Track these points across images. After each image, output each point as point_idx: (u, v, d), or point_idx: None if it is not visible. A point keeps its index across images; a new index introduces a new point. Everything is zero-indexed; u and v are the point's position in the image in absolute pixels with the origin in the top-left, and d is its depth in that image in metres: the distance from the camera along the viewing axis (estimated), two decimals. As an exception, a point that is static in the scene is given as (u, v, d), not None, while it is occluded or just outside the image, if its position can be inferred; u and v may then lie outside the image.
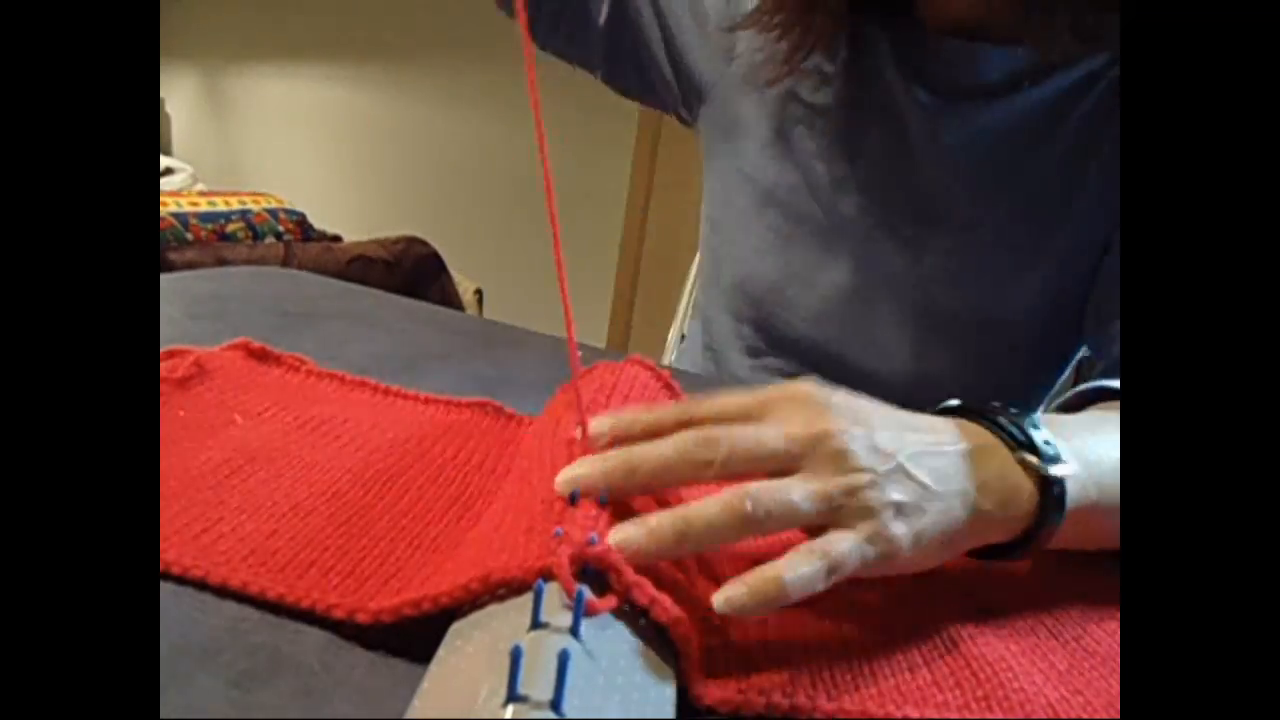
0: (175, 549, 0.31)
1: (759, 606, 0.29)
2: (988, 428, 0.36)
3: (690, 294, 1.01)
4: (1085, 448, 0.37)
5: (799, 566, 0.29)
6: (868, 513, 0.31)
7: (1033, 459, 0.35)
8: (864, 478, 0.31)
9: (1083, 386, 0.49)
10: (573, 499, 0.31)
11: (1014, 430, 0.36)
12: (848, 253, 0.67)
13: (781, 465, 0.32)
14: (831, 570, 0.30)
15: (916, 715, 0.28)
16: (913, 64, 0.65)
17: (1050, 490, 0.34)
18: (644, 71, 0.76)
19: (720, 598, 0.29)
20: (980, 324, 0.65)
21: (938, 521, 0.32)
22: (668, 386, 0.48)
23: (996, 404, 0.38)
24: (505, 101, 2.67)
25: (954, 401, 0.39)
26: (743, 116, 0.72)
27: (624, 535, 0.29)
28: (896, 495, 0.32)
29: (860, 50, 0.68)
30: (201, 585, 0.30)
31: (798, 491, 0.31)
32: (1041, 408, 0.73)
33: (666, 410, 0.34)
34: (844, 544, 0.30)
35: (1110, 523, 0.37)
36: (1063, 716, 0.29)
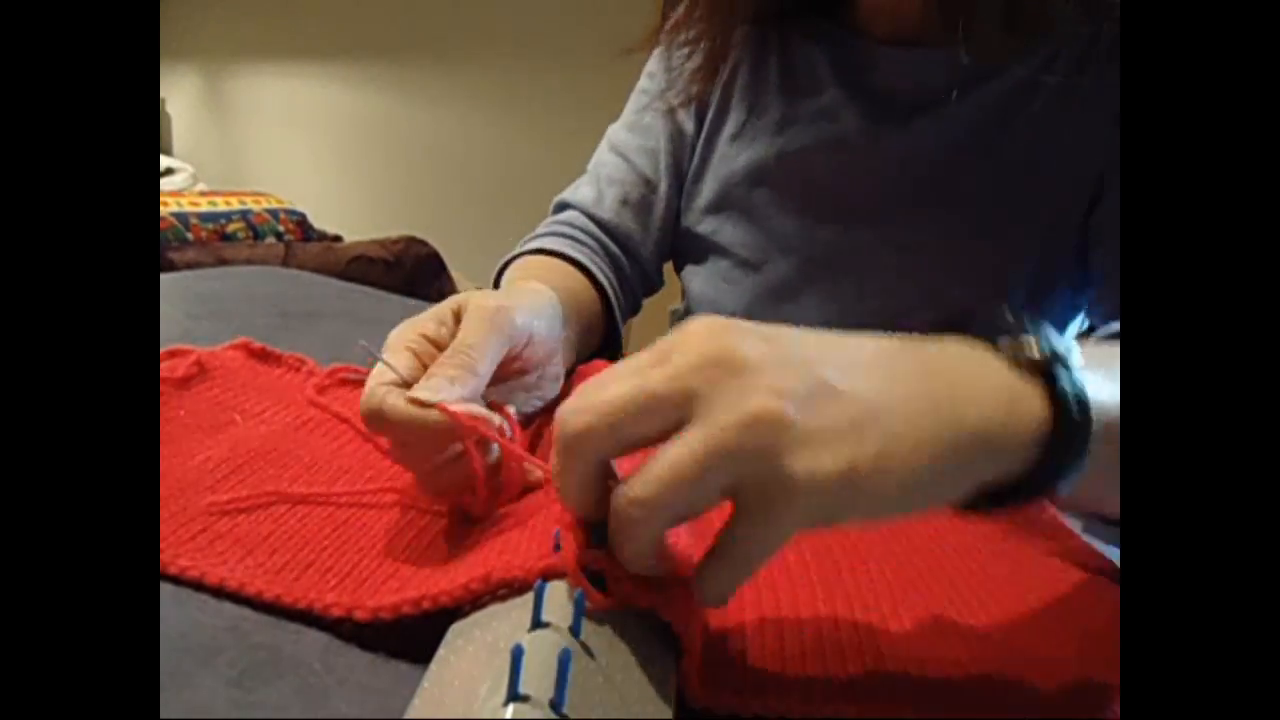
0: (172, 548, 0.31)
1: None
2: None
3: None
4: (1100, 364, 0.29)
5: (716, 571, 0.26)
6: (773, 454, 0.24)
7: (1030, 353, 0.27)
8: (776, 406, 0.24)
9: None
10: None
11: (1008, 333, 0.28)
12: (796, 293, 0.66)
13: (673, 413, 0.25)
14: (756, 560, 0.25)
15: (914, 716, 0.28)
16: (850, 76, 0.63)
17: (1060, 391, 0.26)
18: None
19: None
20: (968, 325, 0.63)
21: (905, 434, 0.25)
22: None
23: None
24: (506, 101, 2.67)
25: None
26: (702, 181, 0.72)
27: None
28: (828, 421, 0.24)
29: (794, 66, 0.66)
30: (200, 585, 0.30)
31: (683, 455, 0.24)
32: None
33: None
34: (749, 533, 0.24)
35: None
36: (1061, 717, 0.29)
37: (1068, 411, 0.26)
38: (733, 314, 0.69)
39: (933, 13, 0.56)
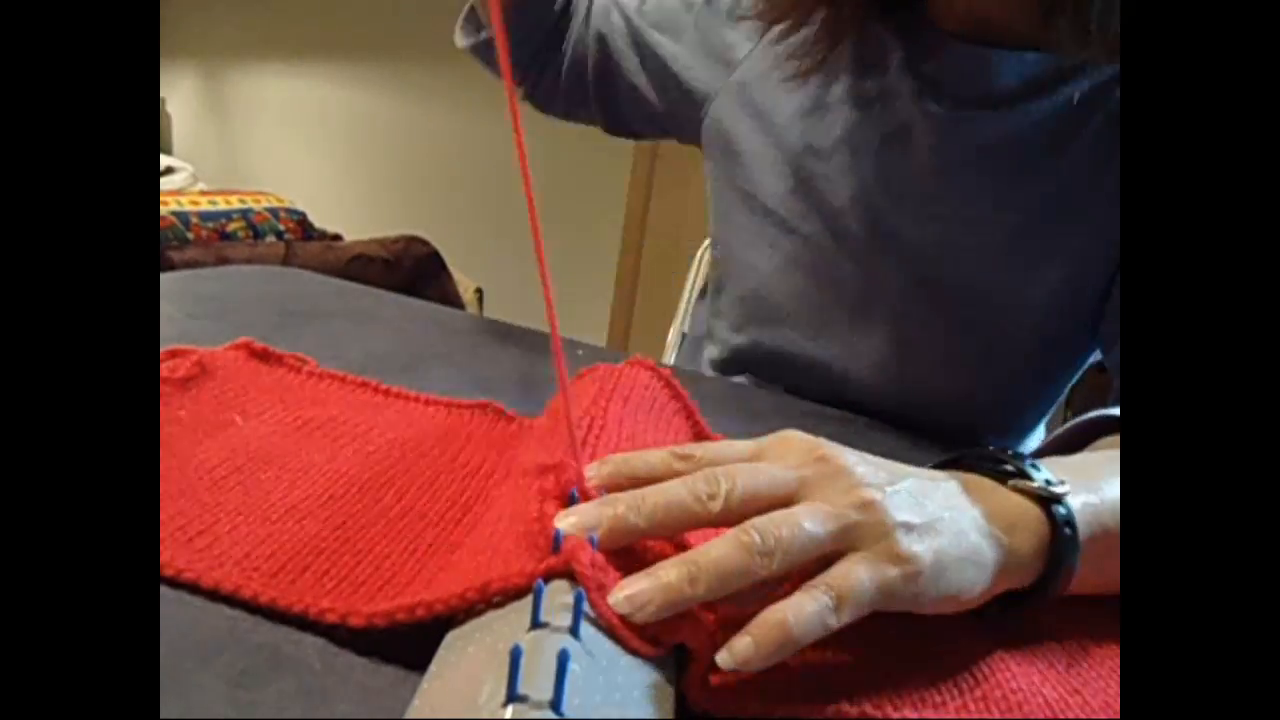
0: (170, 551, 0.31)
1: (768, 656, 0.27)
2: (980, 473, 0.36)
3: (691, 293, 1.01)
4: (1090, 476, 0.36)
5: (804, 606, 0.28)
6: (881, 530, 0.30)
7: (1028, 483, 0.34)
8: (872, 493, 0.30)
9: (1083, 417, 0.47)
10: (571, 499, 0.31)
11: (1007, 467, 0.35)
12: (850, 271, 0.66)
13: (787, 494, 0.31)
14: (841, 603, 0.28)
15: (914, 716, 0.28)
16: (924, 71, 0.63)
17: (1055, 512, 0.33)
18: (640, 108, 0.76)
19: (724, 654, 0.27)
20: (989, 337, 0.64)
21: (956, 544, 0.31)
22: (669, 385, 0.48)
23: (993, 449, 0.37)
24: (505, 101, 2.67)
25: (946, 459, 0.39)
26: (739, 134, 0.70)
27: (633, 590, 0.27)
28: (905, 515, 0.30)
29: (868, 53, 0.65)
30: (197, 587, 0.30)
31: (806, 515, 0.29)
32: (1045, 420, 0.72)
33: (662, 454, 0.33)
34: (857, 572, 0.29)
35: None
36: (1060, 716, 0.29)
37: (1060, 532, 0.33)
38: (768, 277, 0.69)
39: (1022, 12, 0.56)
